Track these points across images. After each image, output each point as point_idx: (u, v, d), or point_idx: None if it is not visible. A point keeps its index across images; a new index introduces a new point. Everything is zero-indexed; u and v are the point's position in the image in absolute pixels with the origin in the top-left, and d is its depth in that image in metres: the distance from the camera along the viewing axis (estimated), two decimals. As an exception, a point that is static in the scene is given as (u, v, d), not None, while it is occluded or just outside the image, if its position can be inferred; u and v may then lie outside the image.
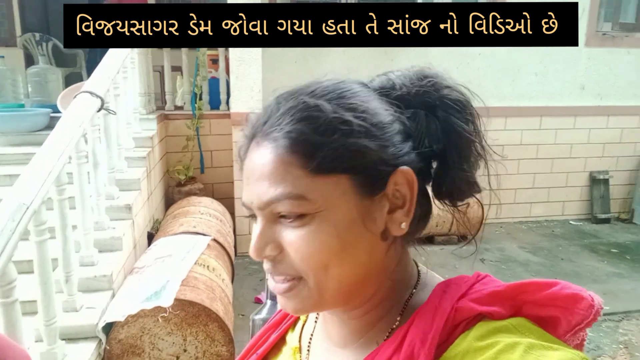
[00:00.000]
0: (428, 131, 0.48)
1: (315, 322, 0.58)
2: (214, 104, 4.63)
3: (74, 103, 2.46)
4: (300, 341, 0.58)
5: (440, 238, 4.60)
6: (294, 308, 0.48)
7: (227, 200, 4.27)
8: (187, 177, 4.27)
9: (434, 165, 0.50)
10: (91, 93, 2.56)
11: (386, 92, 0.49)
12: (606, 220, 5.27)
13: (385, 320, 0.49)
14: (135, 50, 3.80)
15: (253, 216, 0.48)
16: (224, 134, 4.49)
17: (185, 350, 2.19)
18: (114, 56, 3.11)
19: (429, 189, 0.51)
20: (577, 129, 5.13)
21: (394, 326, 0.48)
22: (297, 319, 0.62)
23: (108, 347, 2.10)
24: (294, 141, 0.44)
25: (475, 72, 4.76)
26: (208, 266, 2.59)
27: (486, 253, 4.45)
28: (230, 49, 4.13)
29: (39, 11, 6.89)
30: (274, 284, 0.47)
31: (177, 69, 4.66)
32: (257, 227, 0.47)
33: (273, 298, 0.86)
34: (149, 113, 4.22)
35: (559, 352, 0.40)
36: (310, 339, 0.57)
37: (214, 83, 4.65)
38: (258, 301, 3.26)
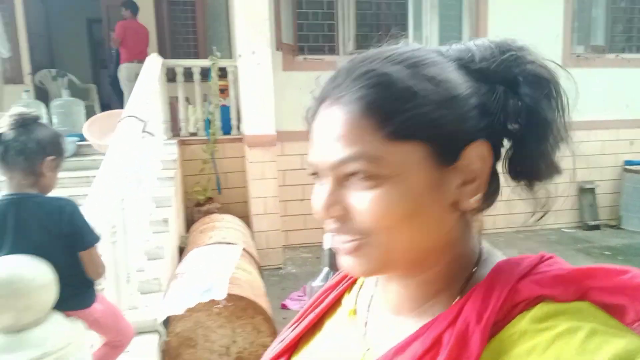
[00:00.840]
0: (504, 108, 0.46)
1: (375, 286, 0.57)
2: (226, 129, 4.94)
3: (122, 126, 2.75)
4: (356, 304, 0.58)
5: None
6: (359, 268, 0.47)
7: (244, 219, 4.53)
8: (205, 198, 4.53)
9: (508, 143, 0.49)
10: (135, 117, 2.85)
11: (465, 64, 0.48)
12: (596, 227, 5.62)
13: (444, 294, 0.49)
14: (157, 81, 4.12)
15: (315, 174, 0.49)
16: (237, 157, 4.79)
17: (234, 342, 2.42)
18: (145, 86, 3.42)
19: (500, 168, 0.50)
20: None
21: (453, 301, 0.47)
22: (354, 282, 0.62)
23: (167, 339, 2.33)
24: (369, 105, 0.44)
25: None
26: (245, 270, 2.84)
27: (488, 259, 4.74)
28: (241, 77, 4.47)
29: (46, 50, 7.22)
30: (340, 243, 0.47)
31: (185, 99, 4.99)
32: (323, 187, 0.47)
33: (332, 266, 0.81)
34: (169, 138, 4.51)
35: (625, 339, 0.38)
36: (369, 303, 0.57)
37: (225, 110, 4.97)
38: (284, 307, 3.49)
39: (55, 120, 4.57)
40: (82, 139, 4.14)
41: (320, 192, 0.47)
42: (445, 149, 0.44)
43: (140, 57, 5.22)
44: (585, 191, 5.69)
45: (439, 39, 5.04)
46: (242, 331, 2.42)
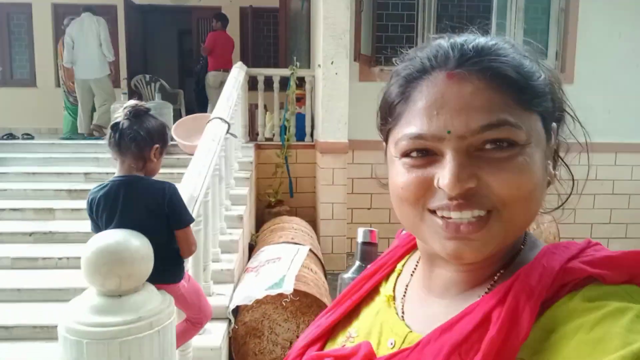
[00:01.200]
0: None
1: (412, 275, 0.58)
2: (300, 136, 5.13)
3: (210, 126, 2.98)
4: (394, 291, 0.58)
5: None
6: (476, 250, 0.45)
7: (311, 223, 4.66)
8: (276, 200, 4.72)
9: None
10: (221, 119, 3.08)
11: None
12: None
13: (485, 274, 0.49)
14: (241, 88, 4.39)
15: (417, 151, 0.47)
16: (309, 163, 4.95)
17: (297, 337, 2.52)
18: (231, 91, 3.66)
19: None
20: (653, 165, 5.14)
21: (495, 280, 0.48)
22: (391, 271, 0.62)
23: (236, 327, 2.48)
24: (508, 78, 0.45)
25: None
26: (311, 269, 2.94)
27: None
28: (318, 86, 4.63)
29: (141, 57, 7.90)
30: (462, 223, 0.44)
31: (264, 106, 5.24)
32: (450, 160, 0.44)
33: (363, 260, 0.90)
34: (247, 142, 4.77)
35: None
36: (406, 289, 0.57)
37: (300, 118, 5.17)
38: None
39: (147, 120, 5.00)
40: (172, 139, 4.50)
41: (449, 165, 0.44)
42: (549, 125, 0.47)
43: (226, 66, 5.58)
44: (679, 221, 5.22)
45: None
46: (305, 327, 2.51)
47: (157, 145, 1.69)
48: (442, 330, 0.45)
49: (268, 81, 5.04)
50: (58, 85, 6.37)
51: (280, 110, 5.13)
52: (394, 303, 0.56)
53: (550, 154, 0.48)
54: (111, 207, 1.62)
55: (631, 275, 0.43)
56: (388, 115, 0.51)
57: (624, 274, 0.43)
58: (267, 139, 5.20)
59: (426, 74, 0.47)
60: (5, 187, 3.93)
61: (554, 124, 0.49)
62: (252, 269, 2.94)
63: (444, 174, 0.44)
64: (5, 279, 2.76)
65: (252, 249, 3.75)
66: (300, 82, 5.06)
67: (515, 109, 0.44)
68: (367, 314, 0.59)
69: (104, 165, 4.28)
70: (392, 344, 0.52)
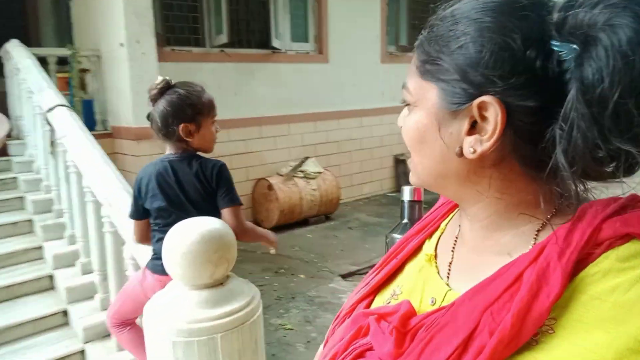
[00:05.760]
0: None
1: (456, 236, 0.59)
2: (89, 125, 4.55)
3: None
4: (436, 249, 0.60)
5: (313, 219, 5.62)
6: (410, 178, 0.57)
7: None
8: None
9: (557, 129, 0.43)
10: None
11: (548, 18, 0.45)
12: (409, 189, 7.17)
13: (514, 234, 0.50)
14: None
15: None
16: (109, 154, 4.49)
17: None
18: None
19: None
20: (383, 124, 6.87)
21: (532, 243, 0.48)
22: (435, 229, 0.64)
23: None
24: (420, 45, 0.52)
25: (314, 83, 5.95)
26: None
27: (349, 223, 5.67)
28: (126, 67, 4.16)
29: None
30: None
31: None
32: None
33: (410, 219, 0.94)
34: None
35: None
36: (454, 247, 0.58)
37: (86, 104, 4.56)
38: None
39: None
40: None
41: None
42: (449, 94, 0.47)
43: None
44: (399, 161, 7.19)
45: (290, 35, 5.67)
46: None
47: (182, 125, 1.60)
48: (476, 290, 0.47)
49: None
50: None
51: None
52: (436, 261, 0.59)
53: (461, 124, 0.47)
54: (161, 185, 1.59)
55: None
56: None
57: None
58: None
59: None
60: None
61: (477, 100, 0.45)
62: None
63: None
64: None
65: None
66: (63, 62, 4.41)
67: (417, 77, 0.51)
68: (411, 272, 0.62)
69: None
70: (433, 301, 0.54)
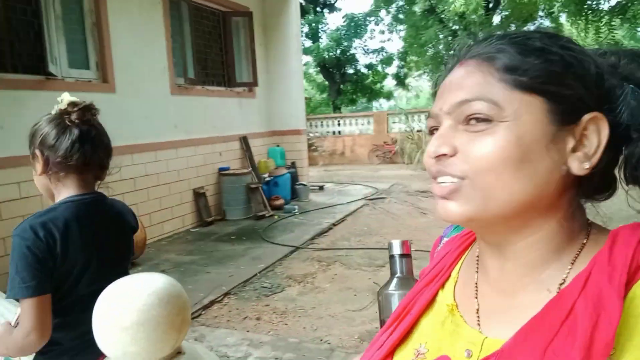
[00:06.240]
0: (629, 105, 0.48)
1: (476, 283, 0.56)
2: None
3: None
4: (455, 299, 0.58)
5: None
6: (456, 210, 0.48)
7: None
8: None
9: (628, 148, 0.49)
10: None
11: (599, 54, 0.51)
12: (211, 222, 7.01)
13: (554, 267, 0.49)
14: None
15: (434, 128, 0.52)
16: None
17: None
18: None
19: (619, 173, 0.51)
20: (179, 158, 6.58)
21: (566, 274, 0.47)
22: (447, 278, 0.61)
23: None
24: (496, 56, 0.47)
25: (101, 115, 5.29)
26: None
27: (161, 265, 5.16)
28: None
29: None
30: (439, 186, 0.49)
31: None
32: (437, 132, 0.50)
33: (401, 271, 0.83)
34: None
35: None
36: (476, 293, 0.55)
37: None
38: None
39: None
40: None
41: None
42: (562, 109, 0.46)
43: None
44: (199, 195, 6.97)
45: (67, 60, 4.95)
46: None
47: (36, 152, 1.32)
48: (526, 331, 0.45)
49: None
50: None
51: None
52: (459, 311, 0.56)
53: (571, 140, 0.47)
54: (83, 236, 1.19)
55: None
56: None
57: None
58: None
59: (452, 64, 0.54)
60: None
61: (589, 114, 0.47)
62: None
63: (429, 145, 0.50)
64: None
65: None
66: None
67: (499, 88, 0.47)
68: (431, 326, 0.58)
69: None
70: (469, 353, 0.51)
